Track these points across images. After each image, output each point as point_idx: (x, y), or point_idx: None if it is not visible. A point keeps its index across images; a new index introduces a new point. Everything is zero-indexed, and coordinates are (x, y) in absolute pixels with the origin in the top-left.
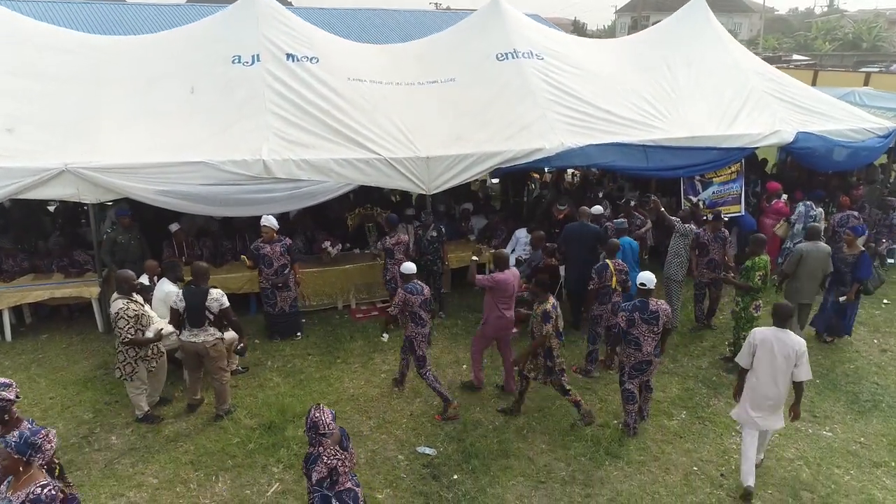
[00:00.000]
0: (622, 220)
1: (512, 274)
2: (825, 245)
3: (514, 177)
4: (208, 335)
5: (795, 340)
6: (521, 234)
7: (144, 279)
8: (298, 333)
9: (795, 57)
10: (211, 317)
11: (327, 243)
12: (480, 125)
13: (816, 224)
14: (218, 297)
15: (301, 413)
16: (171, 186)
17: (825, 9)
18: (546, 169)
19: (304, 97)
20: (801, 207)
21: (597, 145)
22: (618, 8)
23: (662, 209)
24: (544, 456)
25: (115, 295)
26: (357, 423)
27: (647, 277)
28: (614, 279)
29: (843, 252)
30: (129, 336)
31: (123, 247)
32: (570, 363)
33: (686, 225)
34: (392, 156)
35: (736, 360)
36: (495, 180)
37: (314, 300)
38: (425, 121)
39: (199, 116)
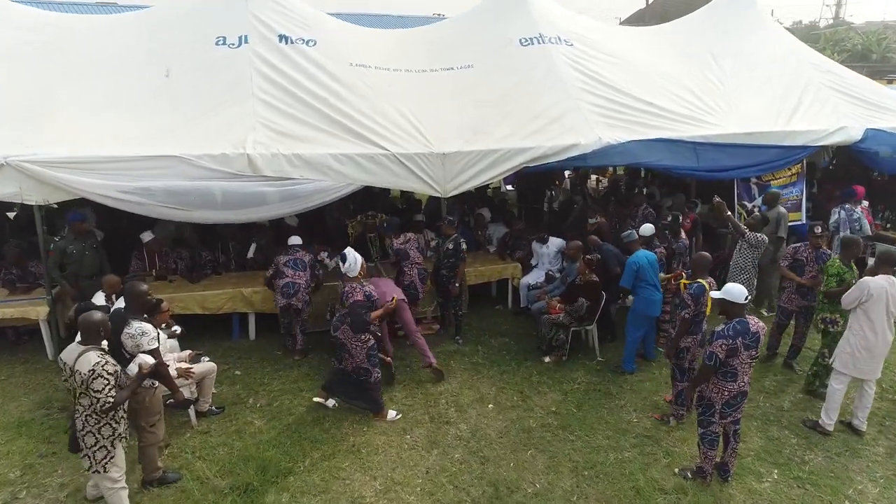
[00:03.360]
0: (648, 225)
1: (383, 283)
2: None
3: (533, 180)
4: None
5: None
6: (538, 247)
7: (100, 297)
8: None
9: None
10: (127, 355)
11: (324, 254)
12: (503, 117)
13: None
14: (135, 335)
15: (287, 470)
16: (134, 184)
17: (830, 21)
18: (567, 173)
19: (299, 83)
20: (840, 213)
21: (640, 141)
22: (622, 20)
23: (728, 213)
24: None
25: (77, 347)
26: (358, 486)
27: (741, 291)
28: (710, 304)
29: None
30: (111, 400)
31: (76, 258)
32: (610, 391)
33: (757, 235)
34: (401, 151)
35: (842, 303)
36: (509, 187)
37: (310, 321)
38: (439, 112)
39: (174, 104)
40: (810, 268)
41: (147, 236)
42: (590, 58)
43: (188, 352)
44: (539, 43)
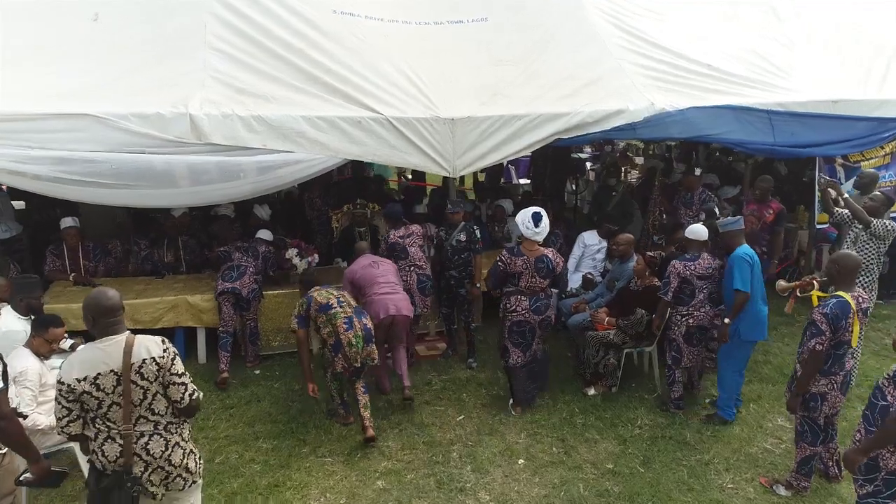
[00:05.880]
0: (735, 218)
1: (369, 258)
2: None
3: (552, 171)
4: None
5: None
6: (592, 239)
7: None
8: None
9: None
10: None
11: (293, 251)
12: (528, 78)
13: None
14: None
15: None
16: (35, 153)
17: None
18: (589, 165)
19: (266, 30)
20: None
21: (703, 108)
22: None
23: (846, 195)
24: None
25: (110, 342)
26: None
27: None
28: (856, 329)
29: None
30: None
31: None
32: (686, 439)
33: (885, 222)
34: (398, 115)
35: None
36: (525, 180)
37: (275, 339)
38: (447, 69)
39: (102, 55)
40: None
41: (68, 222)
42: (629, 13)
43: None
44: None
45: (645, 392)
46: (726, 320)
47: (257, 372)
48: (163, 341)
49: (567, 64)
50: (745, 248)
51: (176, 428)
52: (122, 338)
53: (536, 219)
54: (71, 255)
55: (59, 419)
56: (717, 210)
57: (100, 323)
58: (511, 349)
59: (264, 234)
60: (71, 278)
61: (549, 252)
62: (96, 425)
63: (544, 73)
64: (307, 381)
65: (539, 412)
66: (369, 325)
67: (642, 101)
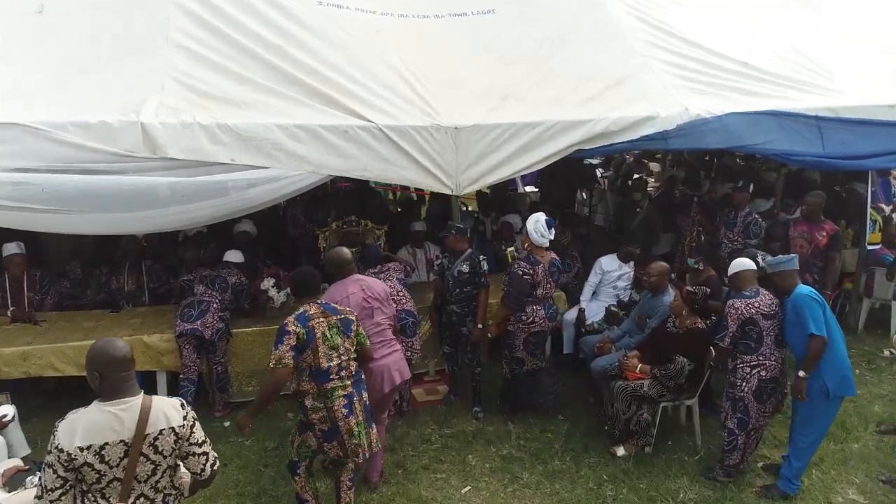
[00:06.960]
0: (788, 256)
1: (360, 287)
2: None
3: (562, 179)
4: None
5: None
6: (611, 265)
7: None
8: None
9: None
10: None
11: (270, 281)
12: (541, 79)
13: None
14: None
15: None
16: None
17: None
18: (599, 172)
19: (240, 25)
20: None
21: (744, 114)
22: None
23: None
24: None
25: (121, 404)
26: None
27: None
28: None
29: None
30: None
31: None
32: None
33: None
34: (392, 123)
35: None
36: (531, 188)
37: (249, 383)
38: (449, 70)
39: (47, 54)
40: None
41: (11, 248)
42: (654, 4)
43: (13, 464)
44: None
45: (685, 453)
46: (801, 373)
47: (227, 424)
48: (182, 406)
49: (586, 62)
50: (806, 288)
51: (174, 500)
52: (137, 400)
53: (550, 225)
54: (13, 286)
55: (49, 489)
56: (759, 259)
57: (109, 379)
58: (527, 358)
59: (233, 257)
60: (9, 314)
61: (553, 254)
62: (87, 500)
63: (560, 74)
64: (248, 419)
65: (559, 479)
66: (367, 399)
67: (674, 105)
